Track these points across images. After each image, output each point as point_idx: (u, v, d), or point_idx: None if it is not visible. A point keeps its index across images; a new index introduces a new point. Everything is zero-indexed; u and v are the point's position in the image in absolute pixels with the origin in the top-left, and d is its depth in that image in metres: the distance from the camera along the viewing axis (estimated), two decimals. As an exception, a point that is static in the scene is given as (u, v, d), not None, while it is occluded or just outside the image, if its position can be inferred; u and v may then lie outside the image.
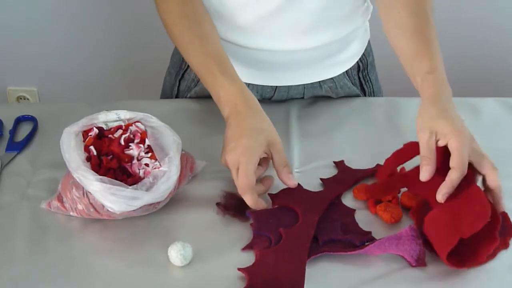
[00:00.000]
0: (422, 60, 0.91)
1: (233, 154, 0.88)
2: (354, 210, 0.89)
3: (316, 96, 1.15)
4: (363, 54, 1.17)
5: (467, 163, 0.83)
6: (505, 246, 0.84)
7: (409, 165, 0.95)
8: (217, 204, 0.90)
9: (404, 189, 0.92)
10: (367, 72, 1.19)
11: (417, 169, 0.86)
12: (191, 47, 0.98)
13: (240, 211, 0.89)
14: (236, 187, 0.88)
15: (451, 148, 0.83)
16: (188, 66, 1.17)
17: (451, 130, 0.83)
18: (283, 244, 0.82)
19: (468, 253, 0.80)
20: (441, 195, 0.82)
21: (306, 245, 0.81)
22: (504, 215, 0.88)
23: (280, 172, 0.91)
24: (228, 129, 0.92)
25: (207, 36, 0.99)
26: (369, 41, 1.19)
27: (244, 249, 0.84)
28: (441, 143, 0.84)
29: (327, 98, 1.16)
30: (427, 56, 0.92)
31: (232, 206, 0.89)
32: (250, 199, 0.86)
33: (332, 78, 1.14)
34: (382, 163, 0.95)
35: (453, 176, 0.82)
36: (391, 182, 0.92)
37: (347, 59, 1.15)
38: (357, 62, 1.17)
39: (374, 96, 1.21)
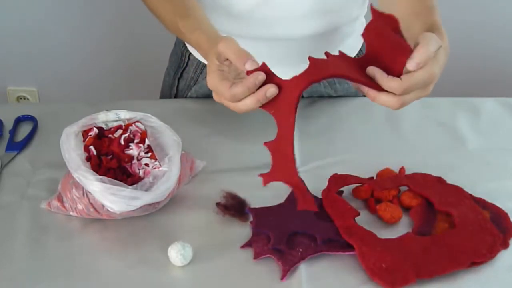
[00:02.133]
0: (427, 16, 0.88)
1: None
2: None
3: (315, 96, 1.15)
4: (360, 50, 1.18)
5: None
6: (505, 246, 0.84)
7: (409, 166, 0.96)
8: (217, 204, 0.90)
9: (404, 189, 0.93)
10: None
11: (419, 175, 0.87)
12: (163, 13, 0.98)
13: (240, 211, 0.89)
14: (235, 190, 0.88)
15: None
16: (187, 64, 1.18)
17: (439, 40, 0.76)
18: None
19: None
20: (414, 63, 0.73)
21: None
22: (504, 215, 0.88)
23: (240, 65, 0.78)
24: None
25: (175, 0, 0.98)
26: None
27: (243, 246, 0.84)
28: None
29: (327, 97, 1.16)
30: (430, 15, 0.89)
31: (232, 206, 0.89)
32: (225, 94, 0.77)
33: None
34: (382, 162, 0.95)
35: (392, 84, 0.73)
36: (392, 180, 0.92)
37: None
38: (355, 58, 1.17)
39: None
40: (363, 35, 0.77)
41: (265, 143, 0.78)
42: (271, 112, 0.78)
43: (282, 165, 0.78)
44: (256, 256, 0.82)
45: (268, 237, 0.84)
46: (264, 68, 0.78)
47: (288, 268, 0.81)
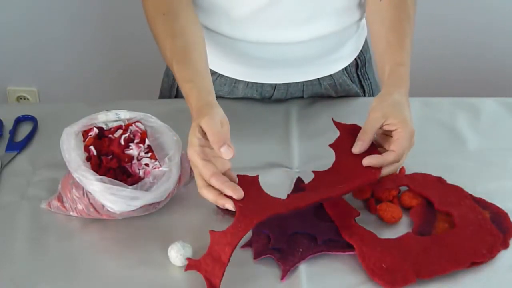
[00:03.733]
0: (395, 52, 0.96)
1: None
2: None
3: (316, 96, 1.15)
4: (361, 51, 1.18)
5: (404, 154, 0.87)
6: (505, 246, 0.84)
7: (409, 166, 0.95)
8: (217, 204, 0.90)
9: (404, 189, 0.93)
10: (365, 70, 1.20)
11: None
12: (162, 46, 0.96)
13: (240, 211, 0.88)
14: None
15: (397, 135, 0.87)
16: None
17: (400, 121, 0.87)
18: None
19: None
20: (367, 161, 0.86)
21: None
22: (504, 215, 0.88)
23: (216, 150, 0.81)
24: None
25: (177, 33, 0.95)
26: (366, 38, 1.19)
27: (243, 247, 0.84)
28: (387, 128, 0.88)
29: (327, 98, 1.16)
30: (400, 49, 0.96)
31: (232, 206, 0.89)
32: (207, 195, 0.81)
33: (331, 76, 1.14)
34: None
35: (389, 158, 0.86)
36: (393, 180, 0.92)
37: (346, 56, 1.15)
38: (355, 59, 1.17)
39: (373, 93, 1.21)
40: (331, 146, 0.92)
41: (210, 232, 0.79)
42: (238, 205, 0.80)
43: (214, 262, 0.77)
44: (256, 256, 0.82)
45: (268, 237, 0.84)
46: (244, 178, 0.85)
47: (288, 268, 0.81)
